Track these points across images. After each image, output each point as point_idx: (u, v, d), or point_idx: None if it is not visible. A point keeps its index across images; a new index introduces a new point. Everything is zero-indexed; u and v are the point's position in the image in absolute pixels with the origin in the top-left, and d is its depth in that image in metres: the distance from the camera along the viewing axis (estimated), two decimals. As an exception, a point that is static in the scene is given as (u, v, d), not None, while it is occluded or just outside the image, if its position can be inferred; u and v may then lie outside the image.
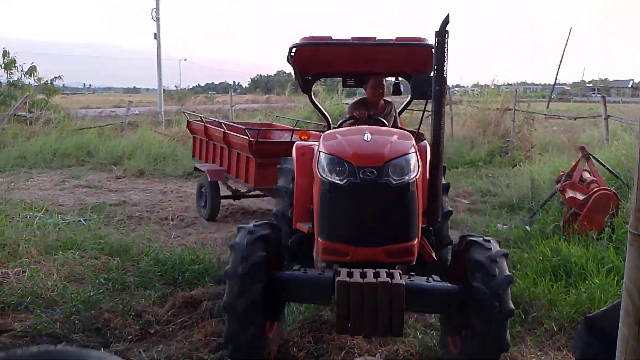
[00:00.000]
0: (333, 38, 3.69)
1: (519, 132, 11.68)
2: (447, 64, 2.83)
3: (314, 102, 4.60)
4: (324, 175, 2.63)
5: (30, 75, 15.37)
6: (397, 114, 4.30)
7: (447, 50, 2.84)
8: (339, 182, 2.56)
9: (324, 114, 4.56)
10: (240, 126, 6.38)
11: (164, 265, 4.32)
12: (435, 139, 2.91)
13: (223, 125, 6.69)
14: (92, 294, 3.70)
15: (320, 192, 2.65)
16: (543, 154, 10.07)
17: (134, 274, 4.16)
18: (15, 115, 13.72)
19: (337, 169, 2.59)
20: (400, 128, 3.81)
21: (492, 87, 13.72)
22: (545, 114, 13.93)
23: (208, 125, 7.18)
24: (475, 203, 7.46)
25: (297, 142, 4.12)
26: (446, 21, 2.84)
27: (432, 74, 2.88)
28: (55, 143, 11.37)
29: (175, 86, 42.50)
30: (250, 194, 6.85)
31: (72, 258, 4.31)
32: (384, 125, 3.78)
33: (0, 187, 7.69)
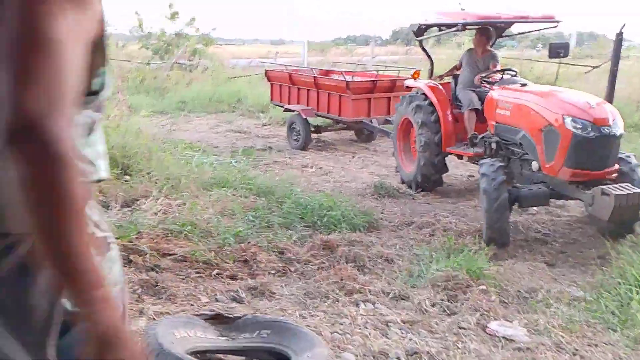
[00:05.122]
0: (466, 12, 5.89)
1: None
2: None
3: (424, 47, 6.50)
4: (576, 132, 4.03)
5: (191, 26, 16.65)
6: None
7: (622, 47, 5.44)
8: (587, 135, 4.00)
9: (431, 59, 6.42)
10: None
11: (305, 209, 4.55)
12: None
13: (314, 71, 8.75)
14: (241, 228, 4.03)
15: (573, 140, 4.04)
16: None
17: (277, 214, 4.45)
18: (177, 62, 15.08)
19: (586, 127, 4.01)
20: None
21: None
22: None
23: (292, 72, 8.81)
24: (639, 172, 6.64)
25: (417, 82, 6.09)
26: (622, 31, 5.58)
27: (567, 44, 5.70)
28: (210, 90, 12.33)
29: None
30: (329, 128, 8.50)
31: (225, 195, 4.71)
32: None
33: (164, 128, 8.67)
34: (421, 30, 6.15)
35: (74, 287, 0.76)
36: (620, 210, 3.81)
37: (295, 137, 8.00)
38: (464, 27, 5.66)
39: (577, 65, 10.00)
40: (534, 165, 4.44)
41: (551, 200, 5.20)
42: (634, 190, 3.87)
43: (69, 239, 0.72)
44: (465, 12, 6.18)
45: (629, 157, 4.33)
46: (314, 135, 8.21)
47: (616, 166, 4.18)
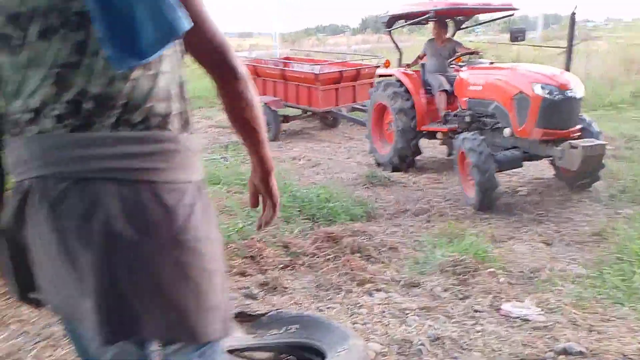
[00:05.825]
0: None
1: (671, 71, 10.33)
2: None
3: (392, 38, 6.77)
4: (545, 96, 4.55)
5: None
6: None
7: (575, 30, 6.05)
8: (554, 98, 4.54)
9: (399, 49, 6.73)
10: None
11: (302, 201, 4.52)
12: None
13: (281, 63, 8.89)
14: (243, 225, 3.99)
15: (542, 104, 4.56)
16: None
17: (276, 209, 4.40)
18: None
19: (552, 91, 4.55)
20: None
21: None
22: None
23: (256, 64, 8.86)
24: (619, 149, 6.82)
25: (390, 70, 6.61)
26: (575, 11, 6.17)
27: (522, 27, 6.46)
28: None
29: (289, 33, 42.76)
30: (298, 116, 8.66)
31: (219, 192, 4.65)
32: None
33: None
34: (391, 21, 6.61)
35: (268, 167, 1.31)
36: (587, 160, 4.37)
37: (267, 129, 7.98)
38: (436, 14, 5.97)
39: (550, 47, 10.18)
40: (506, 131, 4.88)
41: (541, 180, 5.45)
42: (598, 143, 4.47)
43: (263, 127, 1.27)
44: (433, 1, 6.40)
45: (582, 116, 4.86)
46: (284, 125, 8.40)
47: (579, 126, 4.71)
